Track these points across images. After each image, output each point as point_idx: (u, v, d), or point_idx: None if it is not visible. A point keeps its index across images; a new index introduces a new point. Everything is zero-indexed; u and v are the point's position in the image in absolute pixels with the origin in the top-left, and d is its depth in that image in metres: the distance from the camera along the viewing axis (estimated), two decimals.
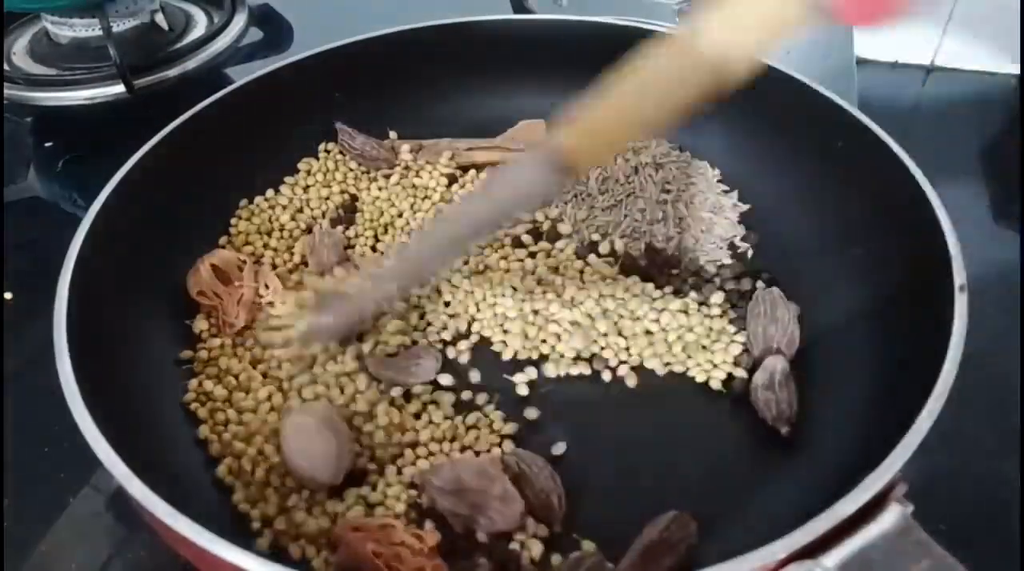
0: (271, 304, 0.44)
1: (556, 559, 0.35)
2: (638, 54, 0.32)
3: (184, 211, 0.47)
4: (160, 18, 0.66)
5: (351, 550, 0.33)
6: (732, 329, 0.43)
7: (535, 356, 0.43)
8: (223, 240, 0.49)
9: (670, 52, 0.32)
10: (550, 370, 0.42)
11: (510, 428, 0.40)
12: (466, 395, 0.41)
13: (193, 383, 0.41)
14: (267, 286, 0.45)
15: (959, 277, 0.35)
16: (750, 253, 0.48)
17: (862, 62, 0.67)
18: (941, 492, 0.38)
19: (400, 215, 0.51)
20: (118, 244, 0.41)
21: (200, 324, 0.44)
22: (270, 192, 0.52)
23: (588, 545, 0.35)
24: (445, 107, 0.56)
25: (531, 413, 0.40)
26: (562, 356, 0.43)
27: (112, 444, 0.30)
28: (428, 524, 0.36)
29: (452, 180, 0.53)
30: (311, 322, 0.41)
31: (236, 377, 0.42)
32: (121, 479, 0.30)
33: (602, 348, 0.43)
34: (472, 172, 0.53)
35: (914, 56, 0.69)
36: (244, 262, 0.46)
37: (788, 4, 0.29)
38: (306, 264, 0.47)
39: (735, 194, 0.51)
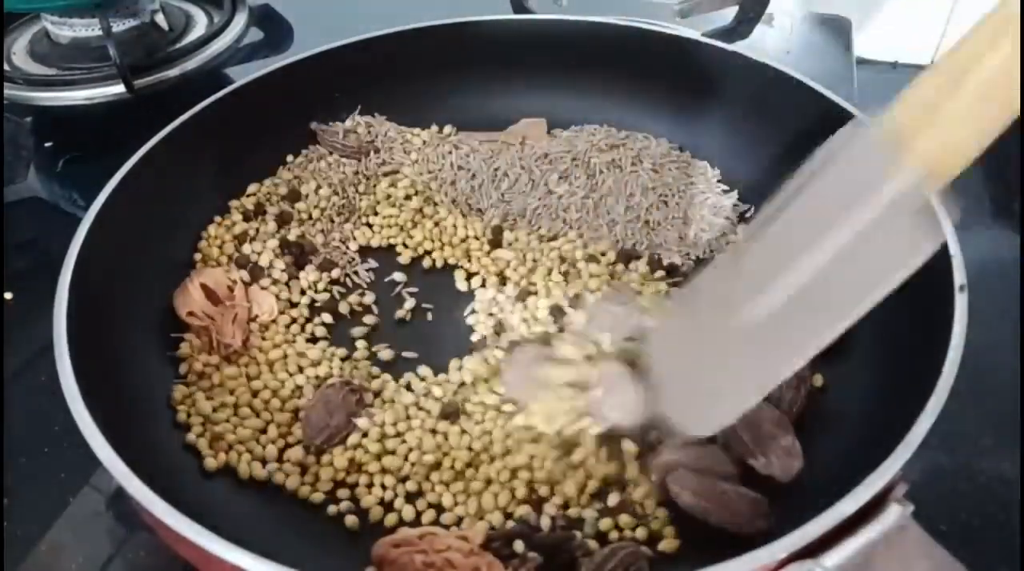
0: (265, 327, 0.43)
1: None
2: None
3: (184, 211, 0.47)
4: (160, 18, 0.66)
5: (399, 567, 0.32)
6: None
7: None
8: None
9: None
10: None
11: None
12: None
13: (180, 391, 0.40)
14: (259, 305, 0.44)
15: (959, 277, 0.35)
16: None
17: (862, 62, 0.67)
18: (941, 492, 0.38)
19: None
20: (118, 244, 0.41)
21: (184, 349, 0.42)
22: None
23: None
24: (445, 107, 0.56)
25: None
26: None
27: (112, 444, 0.30)
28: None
29: None
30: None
31: (232, 392, 0.41)
32: (121, 479, 0.30)
33: None
34: None
35: (914, 56, 0.69)
36: (234, 282, 0.45)
37: None
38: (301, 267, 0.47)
39: (735, 194, 0.51)
